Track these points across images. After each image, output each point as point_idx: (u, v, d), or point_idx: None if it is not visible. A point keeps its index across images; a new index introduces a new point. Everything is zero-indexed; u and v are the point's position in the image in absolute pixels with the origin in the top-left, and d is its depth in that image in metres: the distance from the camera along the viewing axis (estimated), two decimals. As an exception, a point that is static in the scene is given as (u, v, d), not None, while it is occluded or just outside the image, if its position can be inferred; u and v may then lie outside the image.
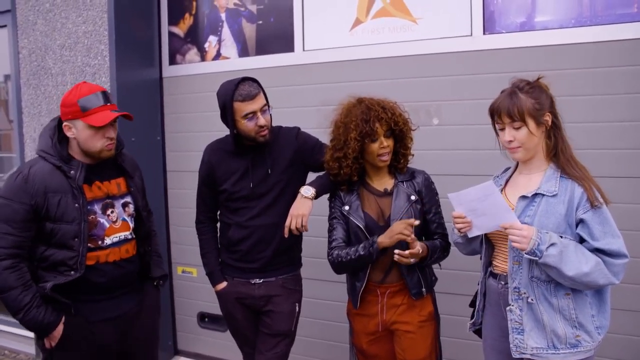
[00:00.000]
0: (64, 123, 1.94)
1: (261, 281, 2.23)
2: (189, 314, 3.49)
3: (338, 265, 2.04)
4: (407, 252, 1.88)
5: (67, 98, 1.93)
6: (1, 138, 4.18)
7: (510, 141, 1.70)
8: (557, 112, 1.72)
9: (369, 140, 1.96)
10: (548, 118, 1.69)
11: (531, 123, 1.67)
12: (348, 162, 1.99)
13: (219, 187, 2.22)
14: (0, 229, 1.86)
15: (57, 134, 1.96)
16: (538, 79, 1.75)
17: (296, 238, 2.25)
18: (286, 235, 2.09)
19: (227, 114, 2.09)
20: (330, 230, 2.09)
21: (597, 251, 1.62)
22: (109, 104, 1.94)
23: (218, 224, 2.35)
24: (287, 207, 2.12)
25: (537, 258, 1.59)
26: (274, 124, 2.19)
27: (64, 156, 1.93)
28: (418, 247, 1.89)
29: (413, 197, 2.01)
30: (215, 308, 3.24)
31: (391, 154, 2.02)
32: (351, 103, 2.03)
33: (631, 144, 2.30)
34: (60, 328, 1.92)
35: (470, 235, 1.77)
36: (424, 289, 2.02)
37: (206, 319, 3.43)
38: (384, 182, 2.06)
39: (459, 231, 1.79)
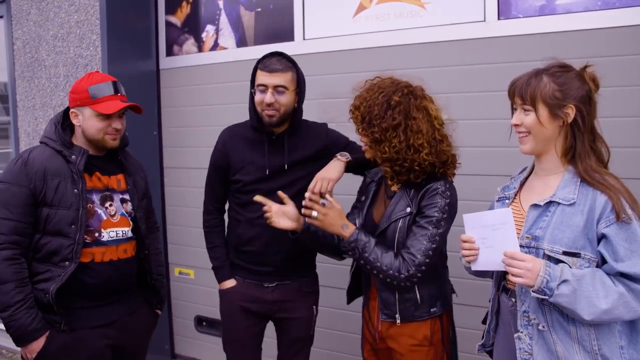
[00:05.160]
0: (71, 110, 1.95)
1: (275, 284, 2.10)
2: (186, 317, 3.40)
3: None
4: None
5: (78, 85, 1.93)
6: None
7: (517, 125, 1.49)
8: (590, 112, 1.45)
9: None
10: (570, 112, 1.44)
11: (543, 111, 1.44)
12: None
13: (232, 176, 2.10)
14: (0, 214, 1.83)
15: (62, 122, 1.98)
16: (585, 67, 1.48)
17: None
18: (306, 198, 1.93)
19: (251, 81, 2.06)
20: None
21: (621, 276, 1.37)
22: (119, 94, 1.94)
23: (226, 221, 2.22)
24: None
25: (546, 297, 1.37)
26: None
27: (65, 141, 1.93)
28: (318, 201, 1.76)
29: (408, 209, 1.74)
30: (213, 312, 3.16)
31: (370, 148, 1.77)
32: (390, 78, 1.85)
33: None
34: (41, 341, 1.83)
35: (473, 268, 1.54)
36: (397, 316, 1.78)
37: (204, 323, 3.34)
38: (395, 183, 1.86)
39: (465, 259, 1.56)
